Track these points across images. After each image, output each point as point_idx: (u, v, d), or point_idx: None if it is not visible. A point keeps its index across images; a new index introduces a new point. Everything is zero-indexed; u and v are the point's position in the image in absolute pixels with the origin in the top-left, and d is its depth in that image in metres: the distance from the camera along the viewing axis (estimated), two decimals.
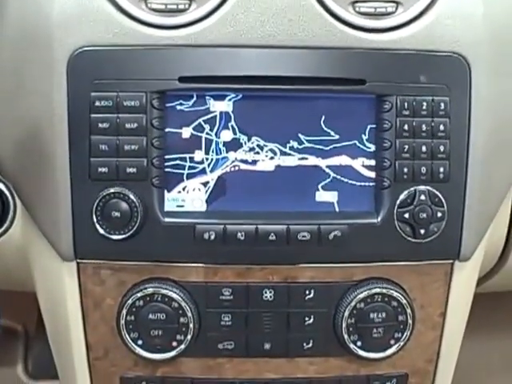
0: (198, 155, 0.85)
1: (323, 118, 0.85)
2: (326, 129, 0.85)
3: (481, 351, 1.64)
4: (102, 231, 0.83)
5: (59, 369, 0.98)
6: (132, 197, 0.82)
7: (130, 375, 0.91)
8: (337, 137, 0.85)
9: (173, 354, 0.87)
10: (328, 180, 0.86)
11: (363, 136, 0.85)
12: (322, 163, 0.86)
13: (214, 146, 0.85)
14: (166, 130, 0.84)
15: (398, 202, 0.85)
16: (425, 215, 0.84)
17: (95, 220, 0.83)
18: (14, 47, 0.83)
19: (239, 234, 0.83)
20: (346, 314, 0.87)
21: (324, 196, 0.86)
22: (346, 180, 0.86)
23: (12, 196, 0.92)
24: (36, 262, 0.92)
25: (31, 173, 0.86)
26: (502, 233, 0.99)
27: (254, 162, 0.86)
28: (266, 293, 0.87)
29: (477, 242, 0.88)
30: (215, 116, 0.85)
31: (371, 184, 0.86)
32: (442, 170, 0.85)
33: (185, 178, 0.85)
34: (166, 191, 0.85)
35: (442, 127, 0.84)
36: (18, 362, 1.58)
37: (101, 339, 0.90)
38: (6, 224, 0.92)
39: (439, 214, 0.85)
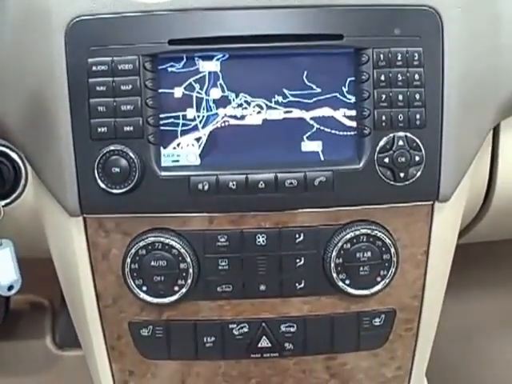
0: (190, 113, 0.88)
1: (305, 73, 0.88)
2: (308, 83, 0.88)
3: (471, 309, 1.68)
4: (103, 186, 0.86)
5: (74, 320, 1.03)
6: (130, 153, 0.86)
7: (137, 320, 0.95)
8: (319, 90, 0.88)
9: (175, 297, 0.91)
10: (312, 131, 0.89)
11: (343, 88, 0.88)
12: (306, 115, 0.88)
13: (204, 103, 0.88)
14: (159, 90, 0.87)
15: (378, 148, 0.88)
16: (403, 159, 0.87)
17: (97, 176, 0.86)
18: (16, 21, 0.87)
19: (231, 184, 0.87)
20: (334, 254, 0.90)
21: (309, 146, 0.89)
22: (329, 130, 0.89)
23: (23, 163, 0.95)
24: (47, 221, 0.96)
25: (38, 138, 0.89)
26: (483, 179, 1.02)
27: (243, 117, 0.88)
28: (258, 238, 0.90)
29: (455, 184, 0.91)
30: (204, 76, 0.87)
31: (353, 133, 0.89)
32: (418, 116, 0.87)
33: (179, 134, 0.88)
34: (161, 148, 0.88)
35: (416, 76, 0.87)
36: (46, 334, 1.66)
37: (109, 288, 0.94)
38: (19, 189, 0.96)
39: (417, 158, 0.88)
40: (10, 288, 0.98)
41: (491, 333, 1.68)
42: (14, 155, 0.95)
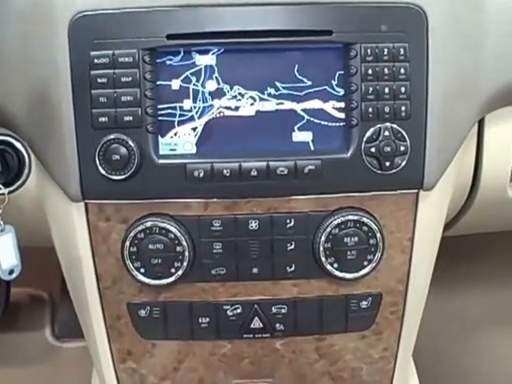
0: (187, 104, 0.90)
1: (297, 66, 0.90)
2: (299, 76, 0.90)
3: (462, 305, 1.71)
4: (104, 172, 0.88)
5: (75, 302, 1.05)
6: (130, 142, 0.88)
7: (135, 301, 0.97)
8: (309, 83, 0.90)
9: (172, 279, 0.93)
10: (303, 122, 0.91)
11: (333, 81, 0.90)
12: (297, 107, 0.90)
13: (200, 95, 0.90)
14: (158, 82, 0.89)
15: (365, 138, 0.90)
16: (389, 149, 0.89)
17: (98, 163, 0.88)
18: (22, 14, 0.89)
19: (225, 171, 0.89)
20: (323, 239, 0.92)
21: (300, 136, 0.91)
22: (318, 121, 0.91)
23: (27, 152, 0.97)
24: (50, 207, 0.98)
25: (42, 127, 0.91)
26: (468, 171, 1.03)
27: (237, 108, 0.90)
28: (251, 223, 0.93)
29: (439, 173, 0.93)
30: (201, 69, 0.89)
31: (341, 124, 0.91)
32: (403, 108, 0.89)
33: (176, 124, 0.90)
34: (159, 137, 0.90)
35: (402, 71, 0.89)
36: (45, 325, 1.69)
37: (109, 270, 0.96)
38: (22, 177, 0.98)
39: (402, 148, 0.90)
40: (11, 272, 0.99)
41: (482, 328, 1.70)
42: (18, 145, 0.97)
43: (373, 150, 0.90)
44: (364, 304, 0.99)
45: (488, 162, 1.02)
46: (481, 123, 1.01)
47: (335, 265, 0.94)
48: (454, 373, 1.64)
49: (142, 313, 0.98)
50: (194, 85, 0.90)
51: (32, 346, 1.66)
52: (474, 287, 1.73)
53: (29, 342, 1.66)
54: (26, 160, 0.98)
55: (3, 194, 0.96)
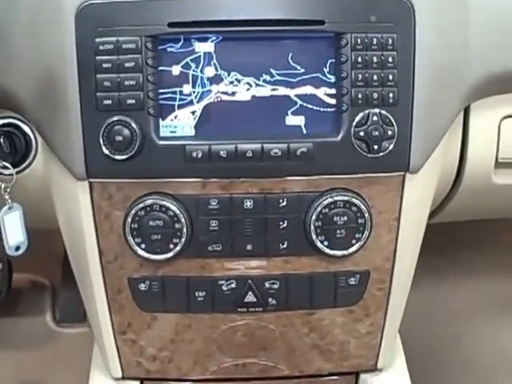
0: (187, 89, 0.92)
1: (290, 54, 0.92)
2: (293, 64, 0.92)
3: (452, 295, 1.74)
4: (107, 152, 0.90)
5: (78, 278, 1.08)
6: (132, 124, 0.90)
7: (136, 276, 1.00)
8: (302, 70, 0.92)
9: (170, 254, 0.95)
10: (296, 107, 0.93)
11: (325, 69, 0.92)
12: (291, 93, 0.92)
13: (199, 80, 0.92)
14: (159, 68, 0.90)
15: (354, 123, 0.92)
16: (377, 133, 0.92)
17: (102, 144, 0.90)
18: (31, 3, 0.92)
19: (222, 152, 0.91)
20: (314, 218, 0.95)
21: (293, 120, 0.93)
22: (311, 106, 0.93)
23: (34, 135, 0.99)
24: (55, 186, 1.01)
25: (49, 110, 0.93)
26: (454, 158, 1.06)
27: (234, 94, 0.92)
28: (246, 202, 0.95)
29: (424, 157, 0.96)
30: (200, 56, 0.91)
31: (332, 109, 0.93)
32: (391, 95, 0.92)
33: (176, 108, 0.92)
34: (160, 119, 0.92)
35: (390, 59, 0.91)
36: (46, 311, 1.72)
37: (111, 246, 0.98)
38: (29, 159, 1.00)
39: (390, 133, 0.92)
40: (17, 248, 1.01)
41: (470, 316, 1.72)
42: (25, 127, 0.99)
43: (362, 133, 0.92)
44: (352, 280, 1.02)
45: (473, 149, 1.05)
46: (466, 111, 1.03)
47: (325, 242, 0.96)
48: (441, 357, 1.66)
49: (142, 287, 1.00)
50: (193, 71, 0.92)
51: (33, 331, 1.69)
52: (463, 277, 1.76)
53: (30, 327, 1.70)
54: (33, 142, 1.00)
55: (11, 174, 0.98)
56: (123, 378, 1.11)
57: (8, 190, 0.99)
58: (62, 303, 1.71)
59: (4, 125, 0.99)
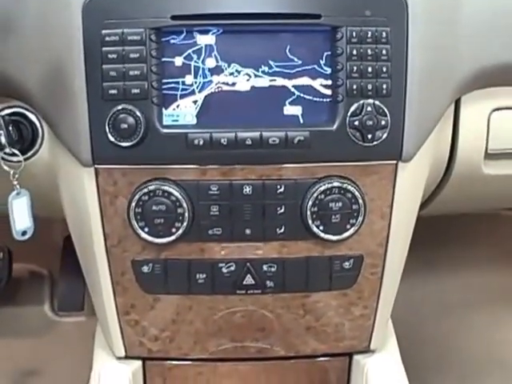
0: (189, 79, 0.94)
1: (288, 47, 0.94)
2: (290, 56, 0.94)
3: (446, 287, 1.76)
4: (113, 140, 0.93)
5: (83, 261, 1.10)
6: (137, 112, 0.92)
7: (139, 258, 1.02)
8: (300, 62, 0.94)
9: (172, 238, 0.98)
10: (293, 97, 0.95)
11: (321, 61, 0.94)
12: (289, 84, 0.95)
13: (201, 71, 0.94)
14: (162, 59, 0.93)
15: (349, 112, 0.94)
16: (371, 123, 0.94)
17: (108, 131, 0.92)
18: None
19: (222, 140, 0.94)
20: (310, 203, 0.97)
21: (290, 110, 0.95)
22: (308, 97, 0.95)
23: (40, 123, 1.01)
24: (61, 173, 1.03)
25: (56, 99, 0.95)
26: (445, 149, 1.08)
27: (234, 84, 0.94)
28: (245, 188, 0.98)
29: (416, 146, 0.98)
30: (201, 47, 0.93)
31: (328, 99, 0.95)
32: (384, 86, 0.94)
33: (178, 97, 0.94)
34: (163, 108, 0.94)
35: (384, 52, 0.93)
36: (44, 301, 1.76)
37: (115, 229, 1.00)
38: (36, 147, 1.03)
39: (383, 122, 0.94)
40: (24, 233, 1.03)
41: (459, 308, 1.74)
42: (31, 116, 1.01)
43: (356, 123, 0.95)
44: (346, 265, 1.04)
45: (464, 140, 1.07)
46: (457, 103, 1.05)
47: (321, 227, 0.99)
48: (431, 351, 1.68)
49: (145, 269, 1.03)
50: (195, 62, 0.94)
51: (32, 320, 1.72)
52: (453, 271, 1.78)
53: (29, 316, 1.72)
54: (39, 130, 1.02)
55: (20, 161, 1.01)
56: (126, 357, 1.14)
57: (16, 176, 1.01)
58: (60, 293, 1.72)
59: (12, 114, 1.01)
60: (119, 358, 1.14)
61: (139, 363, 1.15)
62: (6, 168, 1.00)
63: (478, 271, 1.79)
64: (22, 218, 1.04)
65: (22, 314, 1.72)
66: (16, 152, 1.00)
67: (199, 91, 0.96)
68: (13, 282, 1.72)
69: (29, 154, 1.03)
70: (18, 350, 1.64)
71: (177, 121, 0.96)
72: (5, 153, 1.00)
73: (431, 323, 1.72)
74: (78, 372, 1.35)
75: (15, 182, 1.02)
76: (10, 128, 0.99)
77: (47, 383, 1.56)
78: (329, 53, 0.95)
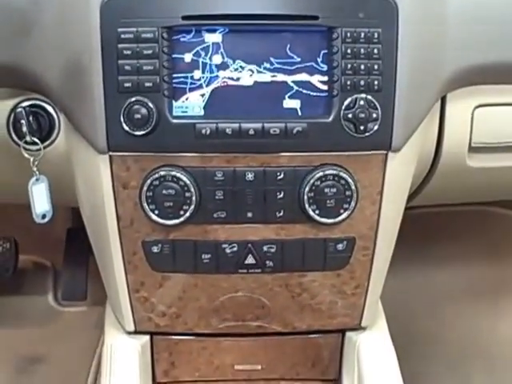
0: (197, 74, 0.98)
1: (288, 45, 0.98)
2: (290, 54, 0.98)
3: (435, 281, 1.83)
4: (127, 129, 0.97)
5: (95, 243, 1.14)
6: (149, 104, 0.96)
7: (149, 239, 1.07)
8: (299, 60, 0.98)
9: (181, 220, 1.02)
10: (292, 92, 0.99)
11: (318, 59, 0.98)
12: (288, 79, 0.98)
13: (208, 67, 0.98)
14: (173, 55, 0.96)
15: (343, 106, 0.98)
16: (363, 115, 0.98)
17: (122, 121, 0.97)
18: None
19: (227, 130, 0.98)
20: (307, 189, 1.01)
21: (290, 103, 0.99)
22: (306, 91, 0.99)
23: (57, 114, 1.05)
24: (77, 160, 1.07)
25: (74, 93, 0.99)
26: (432, 143, 1.12)
27: (238, 79, 0.98)
28: (248, 175, 1.02)
29: (405, 138, 1.03)
30: (209, 45, 0.97)
31: (324, 94, 0.99)
32: (376, 82, 0.98)
33: (187, 91, 0.98)
34: (173, 101, 0.98)
35: (376, 51, 0.97)
36: (48, 291, 1.82)
37: (127, 212, 1.05)
38: (53, 136, 1.07)
39: (374, 115, 0.99)
40: (44, 217, 1.07)
41: (448, 300, 1.80)
42: (49, 108, 1.05)
43: (350, 116, 0.99)
44: (340, 246, 1.09)
45: (449, 135, 1.11)
46: (443, 100, 1.09)
47: (317, 211, 1.03)
48: (421, 335, 1.73)
49: (155, 249, 1.07)
50: (203, 58, 0.98)
51: (35, 310, 1.77)
52: (441, 264, 1.84)
53: (33, 306, 1.77)
54: (56, 121, 1.06)
55: (39, 149, 1.05)
56: (135, 332, 1.20)
57: (36, 163, 1.05)
58: (63, 283, 1.76)
59: (31, 106, 1.05)
60: (129, 333, 1.20)
61: (147, 338, 1.20)
62: (26, 155, 1.04)
63: (464, 265, 1.82)
64: (41, 203, 1.08)
65: (26, 303, 1.76)
66: (36, 140, 1.04)
67: (206, 85, 0.99)
68: (17, 273, 1.76)
69: (46, 142, 1.07)
70: (22, 339, 1.67)
71: (186, 112, 1.00)
72: (25, 142, 1.04)
73: (420, 315, 1.77)
74: (80, 359, 1.46)
75: (35, 169, 1.06)
76: (30, 118, 1.03)
77: (50, 371, 1.59)
78: (325, 51, 0.99)
